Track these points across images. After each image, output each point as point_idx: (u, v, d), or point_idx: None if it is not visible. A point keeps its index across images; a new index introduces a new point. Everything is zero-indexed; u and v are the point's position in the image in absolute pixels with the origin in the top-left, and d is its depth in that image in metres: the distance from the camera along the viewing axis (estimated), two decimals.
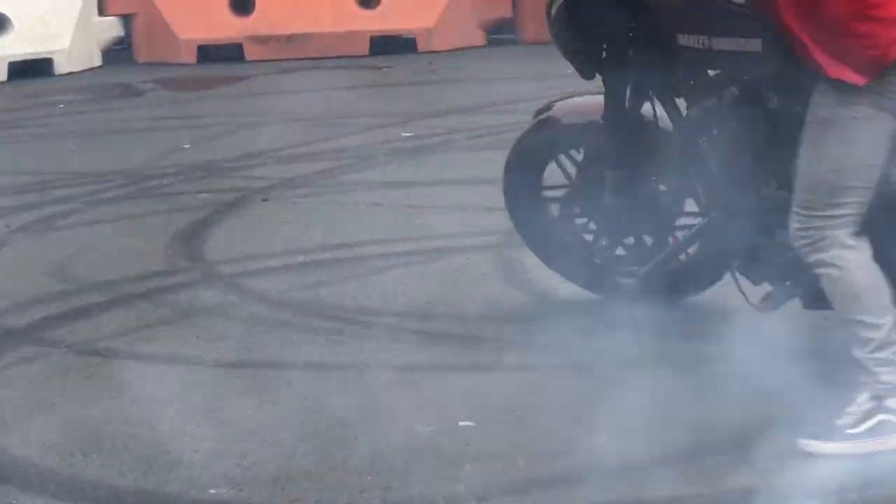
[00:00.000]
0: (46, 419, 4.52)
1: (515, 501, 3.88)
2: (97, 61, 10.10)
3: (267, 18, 10.18)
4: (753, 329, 4.84)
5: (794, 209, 4.27)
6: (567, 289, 5.48)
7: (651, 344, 4.97)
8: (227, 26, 10.19)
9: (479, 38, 10.49)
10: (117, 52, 10.36)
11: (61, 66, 9.95)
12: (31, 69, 10.07)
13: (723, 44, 4.86)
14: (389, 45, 10.51)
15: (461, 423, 4.36)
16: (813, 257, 4.21)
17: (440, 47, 10.25)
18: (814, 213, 4.21)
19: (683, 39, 4.90)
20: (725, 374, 4.56)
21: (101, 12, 10.34)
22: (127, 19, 10.27)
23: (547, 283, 5.63)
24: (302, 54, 10.14)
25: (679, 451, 4.14)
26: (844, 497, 3.78)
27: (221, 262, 6.18)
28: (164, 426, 4.41)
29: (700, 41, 4.89)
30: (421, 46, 10.33)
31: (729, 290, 5.11)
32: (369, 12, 10.22)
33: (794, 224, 4.26)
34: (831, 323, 4.64)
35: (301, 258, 6.13)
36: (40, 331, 5.35)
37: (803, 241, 4.25)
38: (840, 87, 4.13)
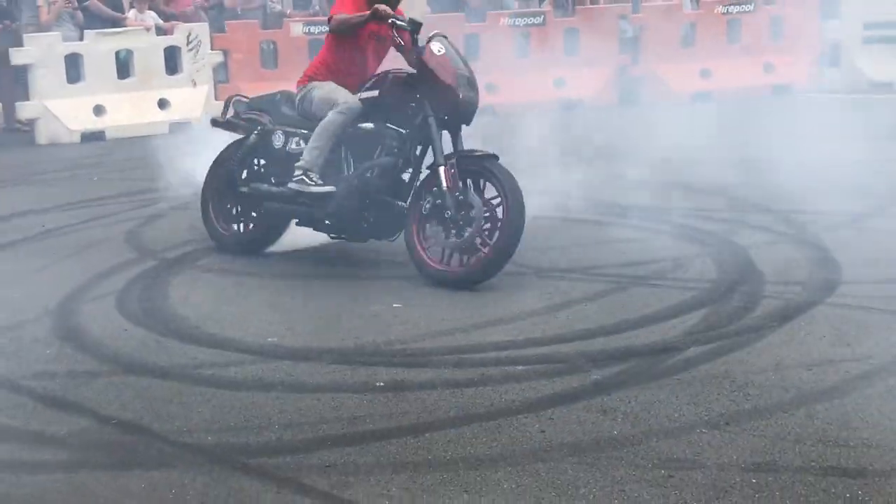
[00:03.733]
0: (230, 309, 5.79)
1: (418, 344, 5.06)
2: None
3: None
4: None
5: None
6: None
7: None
8: None
9: None
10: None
11: (196, 127, 11.77)
12: (181, 127, 12.27)
13: None
14: None
15: (395, 305, 5.74)
16: None
17: None
18: None
19: None
20: None
21: (216, 98, 12.54)
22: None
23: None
24: None
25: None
26: None
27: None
28: (279, 311, 5.71)
29: None
30: None
31: None
32: None
33: None
34: None
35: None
36: (190, 262, 6.77)
37: None
38: None
